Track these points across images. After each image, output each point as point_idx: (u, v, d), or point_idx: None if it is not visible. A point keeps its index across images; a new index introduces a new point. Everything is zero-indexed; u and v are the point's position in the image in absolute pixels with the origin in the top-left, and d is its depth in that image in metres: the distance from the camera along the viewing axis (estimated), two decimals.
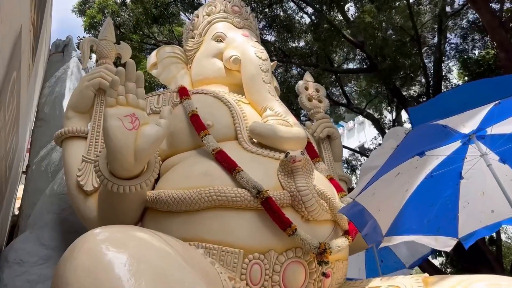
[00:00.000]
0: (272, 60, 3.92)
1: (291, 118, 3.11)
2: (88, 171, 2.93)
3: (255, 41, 3.68)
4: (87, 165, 2.96)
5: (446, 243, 2.50)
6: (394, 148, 2.31)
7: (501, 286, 2.53)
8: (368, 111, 13.40)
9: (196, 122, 2.99)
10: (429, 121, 2.40)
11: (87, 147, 3.06)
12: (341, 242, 2.72)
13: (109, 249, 1.44)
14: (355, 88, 14.83)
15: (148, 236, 1.62)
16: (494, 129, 2.43)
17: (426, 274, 2.91)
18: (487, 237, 7.80)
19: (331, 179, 3.17)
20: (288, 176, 2.66)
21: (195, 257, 1.91)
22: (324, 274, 2.58)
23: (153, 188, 2.82)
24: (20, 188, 4.21)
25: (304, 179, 2.64)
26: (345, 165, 13.42)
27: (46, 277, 2.97)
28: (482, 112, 2.28)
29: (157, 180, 2.93)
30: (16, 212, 3.96)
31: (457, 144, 2.59)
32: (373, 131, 15.85)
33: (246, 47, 3.47)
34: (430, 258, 8.12)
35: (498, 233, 8.32)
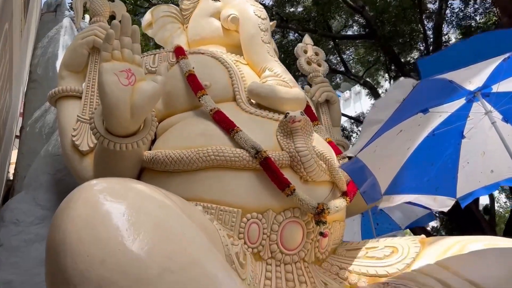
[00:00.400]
0: None
1: (291, 79, 3.05)
2: (83, 131, 2.88)
3: (254, 0, 3.57)
4: (82, 125, 2.91)
5: (444, 203, 2.51)
6: (399, 101, 2.27)
7: (498, 246, 2.56)
8: (366, 79, 13.28)
9: (193, 82, 2.92)
10: (438, 73, 2.34)
11: (81, 107, 3.01)
12: (339, 203, 2.72)
13: (107, 199, 1.41)
14: (352, 56, 14.65)
15: (148, 188, 1.59)
16: (500, 87, 2.39)
17: (423, 236, 2.93)
18: (481, 203, 7.91)
19: (330, 142, 3.15)
20: (287, 137, 2.63)
21: (194, 212, 1.89)
22: (322, 234, 2.59)
23: (150, 149, 2.79)
24: (14, 153, 4.16)
25: (303, 140, 2.61)
26: (342, 132, 13.41)
27: (42, 236, 2.96)
28: (490, 67, 2.23)
29: (153, 142, 2.90)
30: (11, 178, 3.93)
31: (461, 102, 2.55)
32: (369, 102, 15.77)
33: (244, 6, 3.36)
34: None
35: (492, 202, 8.44)
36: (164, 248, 1.32)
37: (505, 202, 11.87)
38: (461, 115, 2.52)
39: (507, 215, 11.24)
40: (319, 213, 2.58)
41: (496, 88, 2.40)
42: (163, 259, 1.29)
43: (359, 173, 2.43)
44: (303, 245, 2.69)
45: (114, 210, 1.38)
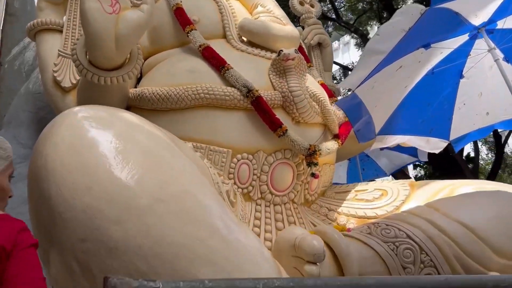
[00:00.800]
0: None
1: (284, 16, 2.91)
2: (65, 66, 2.74)
3: None
4: (63, 60, 2.76)
5: (437, 145, 2.48)
6: (404, 30, 2.18)
7: (487, 189, 2.58)
8: (357, 27, 12.98)
9: (181, 17, 2.76)
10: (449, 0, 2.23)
11: (63, 41, 2.84)
12: (331, 145, 2.68)
13: (93, 126, 1.32)
14: (344, 3, 14.24)
15: (135, 118, 1.50)
16: (506, 23, 2.30)
17: (412, 179, 2.93)
18: (465, 153, 8.03)
19: (322, 84, 3.06)
20: (280, 76, 2.53)
21: (185, 147, 1.83)
22: (313, 175, 2.56)
23: (135, 87, 2.68)
24: None
25: (296, 80, 2.52)
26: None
27: (25, 175, 2.85)
28: (498, 0, 2.13)
29: (139, 80, 2.78)
30: None
31: (464, 38, 2.46)
32: (358, 53, 15.50)
33: None
34: (409, 170, 8.38)
35: (476, 151, 8.58)
36: (155, 177, 1.26)
37: (487, 154, 12.10)
38: (463, 52, 2.44)
39: (487, 167, 11.50)
40: (311, 155, 2.55)
41: (502, 24, 2.31)
42: (153, 188, 1.23)
43: (355, 110, 2.37)
44: (293, 187, 2.67)
45: (100, 138, 1.29)
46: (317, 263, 1.68)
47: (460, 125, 2.46)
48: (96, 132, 1.31)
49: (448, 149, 2.99)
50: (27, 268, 0.70)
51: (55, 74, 2.70)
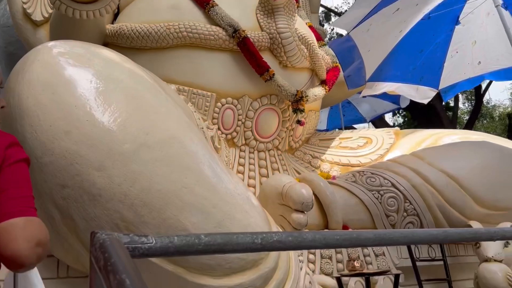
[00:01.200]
0: None
1: None
2: None
3: None
4: None
5: (426, 94, 2.44)
6: None
7: (472, 139, 2.59)
8: None
9: None
10: None
11: None
12: (318, 92, 2.61)
13: (70, 63, 1.20)
14: None
15: (115, 55, 1.38)
16: None
17: (397, 128, 2.92)
18: (444, 102, 8.07)
19: (310, 27, 2.93)
20: (268, 15, 2.39)
21: (169, 89, 1.72)
22: (299, 122, 2.50)
23: (112, 23, 2.50)
24: None
25: (285, 21, 2.39)
26: None
27: None
28: None
29: (116, 17, 2.60)
30: None
31: None
32: None
33: None
34: (389, 119, 8.45)
35: (456, 100, 8.64)
36: (139, 121, 1.17)
37: (464, 103, 12.26)
38: None
39: (463, 116, 11.67)
40: (297, 101, 2.47)
41: None
42: (138, 133, 1.14)
43: (347, 54, 2.29)
44: (277, 133, 2.62)
45: (78, 76, 1.17)
46: (305, 212, 1.66)
47: (450, 74, 2.41)
48: (74, 70, 1.19)
49: None
50: (15, 185, 0.64)
51: (25, 6, 2.49)
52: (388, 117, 8.59)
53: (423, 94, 2.45)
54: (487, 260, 1.90)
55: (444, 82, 2.45)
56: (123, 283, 0.48)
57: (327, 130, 4.93)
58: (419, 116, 6.72)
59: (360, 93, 2.88)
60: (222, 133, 2.40)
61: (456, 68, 2.41)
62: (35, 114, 1.12)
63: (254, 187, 2.37)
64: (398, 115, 8.97)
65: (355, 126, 5.49)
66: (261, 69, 2.33)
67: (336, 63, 2.80)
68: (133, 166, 1.10)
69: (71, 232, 1.17)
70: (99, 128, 1.11)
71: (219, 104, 2.36)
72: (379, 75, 2.36)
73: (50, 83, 1.15)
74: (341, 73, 2.77)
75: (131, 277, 0.48)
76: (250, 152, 2.52)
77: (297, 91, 2.43)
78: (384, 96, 3.98)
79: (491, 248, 1.91)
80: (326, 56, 2.76)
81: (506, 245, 1.95)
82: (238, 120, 2.43)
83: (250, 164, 2.49)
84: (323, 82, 2.70)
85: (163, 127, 1.21)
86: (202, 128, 1.92)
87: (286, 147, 2.71)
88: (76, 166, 1.08)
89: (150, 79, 1.37)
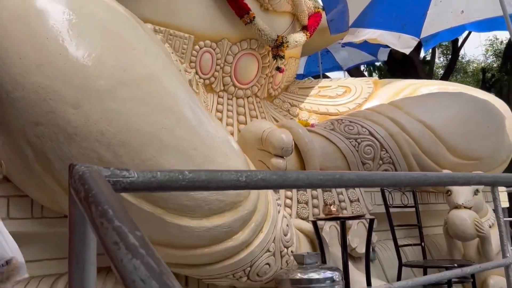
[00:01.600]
0: None
1: None
2: None
3: None
4: None
5: (408, 43, 2.42)
6: None
7: (449, 90, 2.61)
8: None
9: None
10: None
11: None
12: (299, 37, 2.55)
13: None
14: None
15: None
16: None
17: (376, 78, 2.91)
18: (422, 55, 8.07)
19: None
20: None
21: (145, 26, 1.63)
22: (279, 69, 2.46)
23: None
24: None
25: None
26: None
27: None
28: None
29: None
30: None
31: None
32: None
33: None
34: (365, 72, 8.41)
35: (433, 53, 8.66)
36: (115, 56, 1.10)
37: (439, 58, 12.29)
38: None
39: (437, 70, 11.74)
40: (278, 47, 2.41)
41: None
42: (114, 69, 1.08)
43: None
44: (257, 80, 2.57)
45: (50, 7, 1.09)
46: (284, 157, 1.66)
47: (434, 21, 2.37)
48: (45, 1, 1.10)
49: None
50: None
51: None
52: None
53: (405, 43, 2.42)
54: (457, 207, 1.97)
55: (426, 31, 2.42)
56: (106, 213, 0.45)
57: (303, 75, 4.90)
58: (397, 69, 6.72)
59: (340, 41, 2.85)
60: (200, 77, 2.33)
61: (439, 17, 2.38)
62: (3, 46, 1.04)
63: (232, 134, 2.34)
64: (375, 70, 8.93)
65: (328, 74, 5.44)
66: (241, 11, 2.26)
67: (318, 8, 2.72)
68: (110, 104, 1.05)
69: (46, 171, 1.13)
70: (72, 62, 1.04)
71: (197, 47, 2.28)
72: (362, 21, 2.31)
73: (22, 14, 1.06)
74: (323, 20, 2.70)
75: (114, 208, 0.46)
76: (228, 99, 2.47)
77: (278, 36, 2.37)
78: (363, 46, 3.92)
79: (462, 195, 1.97)
80: (308, 1, 2.68)
81: (475, 193, 2.02)
82: (217, 64, 2.37)
83: (228, 111, 2.45)
84: (304, 28, 2.63)
85: (141, 64, 1.15)
86: (180, 70, 1.86)
87: (265, 94, 2.67)
88: (50, 102, 1.02)
89: (126, 13, 1.29)
